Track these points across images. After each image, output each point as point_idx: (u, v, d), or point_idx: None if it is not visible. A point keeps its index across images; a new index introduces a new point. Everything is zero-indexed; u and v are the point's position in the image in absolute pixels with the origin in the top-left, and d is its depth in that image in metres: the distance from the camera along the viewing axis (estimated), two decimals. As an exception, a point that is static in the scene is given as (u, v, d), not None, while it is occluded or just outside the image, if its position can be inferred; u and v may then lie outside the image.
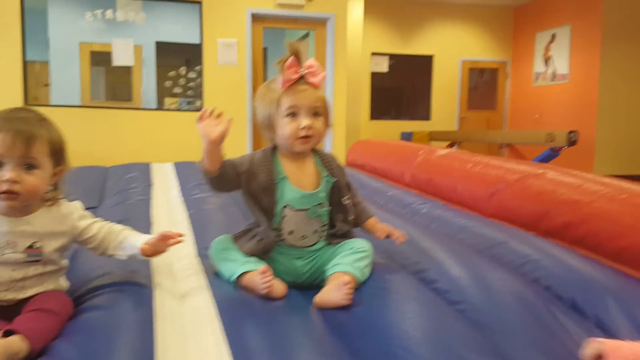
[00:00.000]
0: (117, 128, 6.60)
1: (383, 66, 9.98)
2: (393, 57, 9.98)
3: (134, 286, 1.28)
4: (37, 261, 1.16)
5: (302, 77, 1.39)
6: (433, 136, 8.64)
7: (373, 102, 9.99)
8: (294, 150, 1.42)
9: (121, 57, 6.65)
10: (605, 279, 1.36)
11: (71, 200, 1.27)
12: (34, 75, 6.54)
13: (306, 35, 7.56)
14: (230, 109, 6.74)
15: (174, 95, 6.94)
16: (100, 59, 6.84)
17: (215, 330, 1.12)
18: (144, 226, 1.94)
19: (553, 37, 9.22)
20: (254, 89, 6.70)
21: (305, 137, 1.39)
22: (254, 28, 6.96)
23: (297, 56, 1.38)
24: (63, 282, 1.25)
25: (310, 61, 1.41)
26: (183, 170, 3.20)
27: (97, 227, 1.27)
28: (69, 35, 6.64)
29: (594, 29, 8.31)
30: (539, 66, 9.63)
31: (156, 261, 1.51)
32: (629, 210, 1.58)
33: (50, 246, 1.18)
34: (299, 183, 1.42)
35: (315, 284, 1.39)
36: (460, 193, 2.37)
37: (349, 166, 3.74)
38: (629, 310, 1.21)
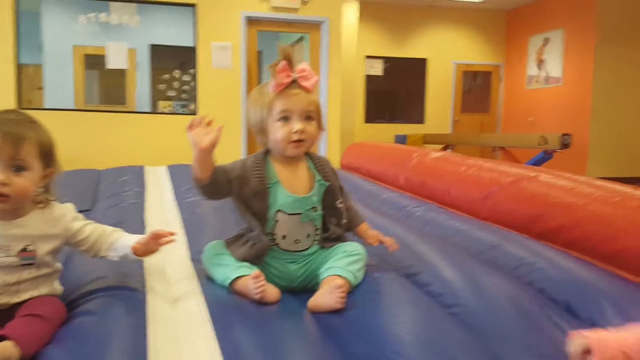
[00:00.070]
0: (110, 131, 6.58)
1: (377, 69, 10.00)
2: (387, 61, 10.00)
3: (126, 291, 1.27)
4: (31, 264, 1.15)
5: (294, 81, 1.39)
6: (427, 139, 8.66)
7: (367, 105, 10.01)
8: (286, 155, 1.42)
9: (115, 60, 6.64)
10: (600, 282, 1.36)
11: (63, 202, 1.26)
12: (27, 78, 6.52)
13: (301, 39, 7.56)
14: (225, 113, 6.75)
15: (168, 98, 6.93)
16: (94, 62, 6.83)
17: (207, 335, 1.11)
18: (138, 229, 1.93)
19: (546, 40, 9.27)
20: (249, 92, 6.68)
21: (298, 141, 1.38)
22: (248, 31, 6.96)
23: (289, 60, 1.38)
24: (57, 286, 1.24)
25: (302, 65, 1.41)
26: (177, 173, 3.19)
27: (90, 229, 1.26)
28: (62, 38, 6.63)
29: (587, 32, 8.35)
30: (532, 69, 9.67)
31: (149, 265, 1.50)
32: (622, 213, 1.58)
33: (43, 249, 1.17)
34: (291, 187, 1.41)
35: (309, 287, 1.39)
36: (454, 196, 2.37)
37: (344, 169, 3.74)
38: (624, 313, 1.21)
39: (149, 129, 6.68)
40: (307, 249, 1.43)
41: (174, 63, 6.97)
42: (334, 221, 1.48)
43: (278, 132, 1.38)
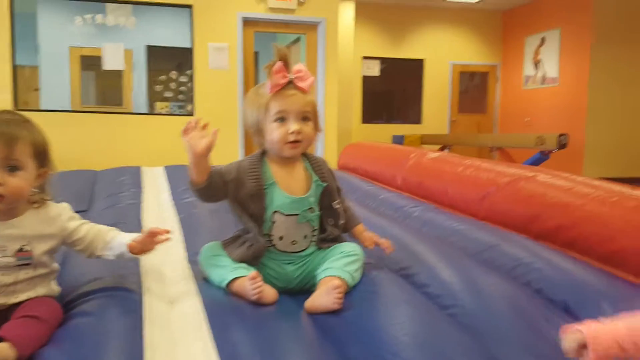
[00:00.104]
0: (107, 133, 6.56)
1: (374, 70, 10.00)
2: (384, 61, 10.01)
3: (123, 291, 1.27)
4: (28, 264, 1.15)
5: (290, 82, 1.39)
6: (424, 140, 8.67)
7: (364, 106, 10.01)
8: (283, 155, 1.42)
9: (111, 61, 6.63)
10: (598, 282, 1.36)
11: (58, 202, 1.26)
12: (23, 79, 6.50)
13: (297, 40, 7.56)
14: (221, 114, 6.75)
15: (165, 99, 6.92)
16: (90, 63, 6.82)
17: (204, 337, 1.11)
18: (135, 230, 1.90)
19: (542, 40, 9.28)
20: (245, 93, 6.68)
21: (294, 142, 1.38)
22: (245, 32, 6.96)
23: (285, 61, 1.38)
24: (54, 287, 1.24)
25: (298, 66, 1.41)
26: (174, 174, 3.18)
27: (86, 228, 1.26)
28: (59, 40, 6.61)
29: (583, 32, 8.37)
30: (528, 69, 9.69)
31: (146, 266, 1.50)
32: (619, 213, 1.58)
33: (39, 249, 1.17)
34: (288, 188, 1.41)
35: (306, 288, 1.38)
36: (452, 196, 2.37)
37: (341, 169, 3.74)
38: (622, 314, 1.20)
39: (146, 130, 6.67)
40: (304, 249, 1.43)
41: (170, 64, 6.96)
42: (331, 222, 1.48)
43: (274, 133, 1.38)
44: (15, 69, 6.33)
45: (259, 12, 6.92)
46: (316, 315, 1.21)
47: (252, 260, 1.37)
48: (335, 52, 7.23)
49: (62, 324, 1.10)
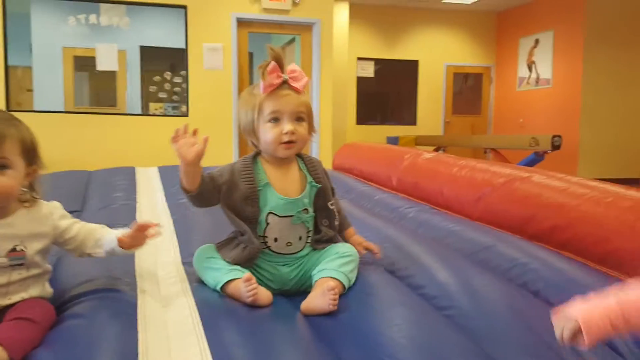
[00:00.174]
0: (101, 134, 6.54)
1: (369, 71, 10.01)
2: (379, 62, 10.02)
3: (117, 293, 1.26)
4: (21, 265, 1.14)
5: (285, 82, 1.38)
6: (419, 141, 8.68)
7: (359, 107, 10.02)
8: (277, 156, 1.41)
9: (105, 62, 6.60)
10: (594, 283, 1.35)
11: (49, 201, 1.25)
12: (16, 80, 6.46)
13: (292, 40, 7.55)
14: (216, 114, 6.73)
15: (159, 100, 6.89)
16: (83, 63, 6.78)
17: (199, 339, 1.09)
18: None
19: (536, 42, 9.32)
20: (240, 94, 6.68)
21: (289, 142, 1.37)
22: (239, 33, 6.95)
23: (279, 61, 1.37)
24: (47, 288, 1.23)
25: (292, 66, 1.40)
26: (167, 174, 3.16)
27: (78, 227, 1.25)
28: (52, 40, 6.58)
29: (576, 33, 8.41)
30: (522, 71, 9.72)
31: (140, 268, 1.49)
32: (614, 214, 1.58)
33: (32, 248, 1.16)
34: (282, 189, 1.40)
35: (302, 290, 1.38)
36: (447, 197, 2.37)
37: (336, 170, 3.73)
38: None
39: (140, 131, 6.65)
40: (299, 251, 1.42)
41: (164, 65, 6.94)
42: (325, 223, 1.47)
43: (268, 134, 1.37)
44: (7, 69, 6.29)
45: (253, 12, 6.91)
46: (312, 317, 1.21)
47: (247, 262, 1.36)
48: (330, 53, 7.23)
49: (55, 326, 1.09)
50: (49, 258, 1.26)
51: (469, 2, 9.50)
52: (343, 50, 8.37)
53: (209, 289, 1.33)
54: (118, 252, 1.26)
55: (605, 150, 8.43)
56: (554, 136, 5.94)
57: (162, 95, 6.89)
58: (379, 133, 9.72)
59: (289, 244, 1.40)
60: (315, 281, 1.31)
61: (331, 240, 1.46)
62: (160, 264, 1.57)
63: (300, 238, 1.41)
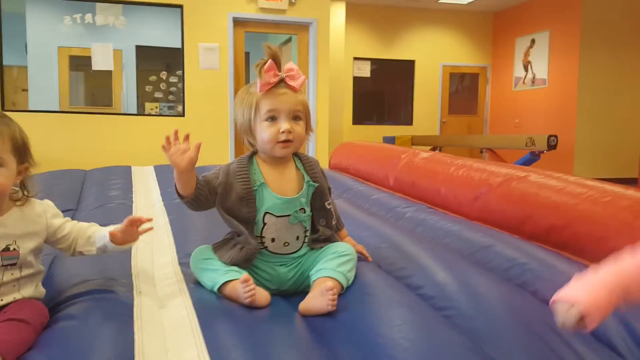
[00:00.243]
0: (97, 134, 6.51)
1: (365, 71, 10.01)
2: (375, 62, 10.02)
3: (113, 294, 1.25)
4: (14, 264, 1.12)
5: (282, 81, 1.37)
6: (415, 141, 8.68)
7: (355, 107, 10.01)
8: (274, 155, 1.40)
9: (101, 61, 6.57)
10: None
11: (41, 199, 1.24)
12: (11, 80, 6.43)
13: (288, 40, 7.54)
14: (212, 114, 6.72)
15: (155, 100, 6.87)
16: (79, 63, 6.76)
17: (196, 341, 1.08)
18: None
19: (532, 42, 9.33)
20: (236, 93, 6.67)
21: (285, 141, 1.36)
22: (235, 32, 6.93)
23: (276, 59, 1.36)
24: (40, 289, 1.22)
25: (289, 64, 1.39)
26: (163, 173, 3.15)
27: (70, 226, 1.25)
28: (47, 40, 6.55)
29: (572, 34, 8.42)
30: (518, 71, 9.73)
31: (136, 269, 1.47)
32: (612, 213, 1.57)
33: (26, 247, 1.15)
34: (279, 189, 1.39)
35: (300, 290, 1.37)
36: (444, 196, 2.36)
37: (333, 169, 3.72)
38: (622, 316, 1.19)
39: (136, 131, 6.62)
40: (296, 251, 1.41)
41: (160, 64, 6.92)
42: (322, 222, 1.46)
43: (265, 132, 1.36)
44: (2, 69, 6.26)
45: (249, 12, 6.90)
46: (310, 318, 1.20)
47: (244, 262, 1.35)
48: (327, 52, 7.22)
49: (49, 327, 1.08)
50: (44, 258, 1.24)
51: (465, 2, 9.50)
52: (339, 50, 8.36)
53: (206, 291, 1.32)
54: (110, 248, 1.25)
55: (601, 150, 8.44)
56: (550, 136, 5.95)
57: (158, 95, 6.87)
58: (375, 133, 9.71)
59: (286, 244, 1.39)
60: (313, 281, 1.30)
61: (329, 240, 1.45)
62: (156, 264, 1.56)
63: (297, 238, 1.40)
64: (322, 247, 1.41)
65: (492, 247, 1.64)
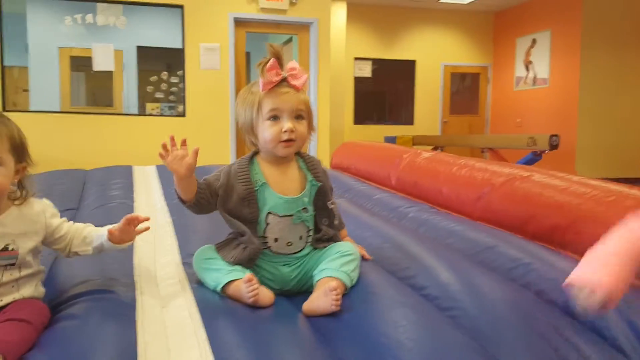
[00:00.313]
0: (97, 134, 6.51)
1: (366, 71, 10.00)
2: (376, 62, 10.02)
3: (115, 294, 1.24)
4: (12, 264, 1.12)
5: (284, 80, 1.36)
6: (416, 141, 8.67)
7: (356, 107, 10.01)
8: (276, 155, 1.39)
9: (101, 62, 6.57)
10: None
11: (40, 199, 1.23)
12: (12, 80, 6.43)
13: (289, 40, 7.54)
14: (213, 114, 6.71)
15: (156, 100, 6.87)
16: (80, 64, 6.76)
17: (199, 341, 1.07)
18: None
19: (533, 42, 9.32)
20: (237, 93, 6.67)
21: (288, 140, 1.35)
22: (236, 32, 6.93)
23: (279, 58, 1.35)
24: (40, 288, 1.21)
25: (292, 63, 1.38)
26: (166, 173, 3.14)
27: (67, 226, 1.25)
28: (48, 40, 6.55)
29: (573, 33, 8.41)
30: (520, 71, 9.72)
31: (139, 269, 1.47)
32: (616, 213, 1.56)
33: (25, 247, 1.14)
34: (281, 188, 1.38)
35: (303, 290, 1.36)
36: (447, 196, 2.35)
37: (334, 168, 3.71)
38: (625, 314, 1.19)
39: (137, 131, 6.62)
40: (299, 251, 1.40)
41: (161, 64, 6.92)
42: (325, 222, 1.45)
43: (267, 132, 1.35)
44: (3, 69, 6.26)
45: (250, 12, 6.89)
46: (314, 318, 1.19)
47: (247, 262, 1.34)
48: (327, 53, 7.22)
49: (52, 327, 1.07)
50: (45, 258, 1.24)
51: (466, 2, 9.49)
52: (340, 50, 8.36)
53: (209, 291, 1.31)
54: (107, 248, 1.25)
55: (602, 149, 8.44)
56: (552, 136, 5.94)
57: (158, 95, 6.87)
58: (376, 133, 9.71)
59: (289, 243, 1.38)
60: (317, 281, 1.29)
61: (332, 240, 1.45)
62: (158, 264, 1.55)
63: (300, 238, 1.40)
64: (325, 247, 1.41)
65: (495, 247, 1.63)
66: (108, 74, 6.78)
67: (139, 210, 2.36)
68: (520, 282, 1.41)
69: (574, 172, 7.93)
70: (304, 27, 7.16)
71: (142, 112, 6.84)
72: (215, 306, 1.23)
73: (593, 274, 0.85)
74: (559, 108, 8.70)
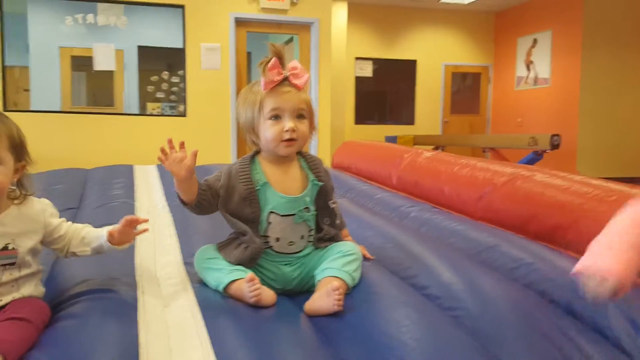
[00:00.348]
0: (98, 134, 6.51)
1: (367, 71, 10.00)
2: (377, 62, 10.01)
3: (117, 294, 1.24)
4: (12, 264, 1.11)
5: (285, 79, 1.36)
6: (417, 140, 8.67)
7: (357, 107, 10.01)
8: (278, 154, 1.39)
9: (102, 61, 6.57)
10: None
11: (39, 198, 1.23)
12: (13, 80, 6.43)
13: (290, 40, 7.54)
14: (214, 114, 6.71)
15: (157, 100, 6.87)
16: (81, 63, 6.76)
17: (201, 341, 1.07)
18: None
19: (534, 41, 9.31)
20: (238, 93, 6.66)
21: (290, 140, 1.35)
22: (237, 32, 6.93)
23: (280, 57, 1.35)
24: (40, 287, 1.21)
25: (293, 63, 1.38)
26: (166, 172, 3.12)
27: (66, 226, 1.25)
28: (49, 40, 6.55)
29: (574, 33, 8.40)
30: (521, 70, 9.71)
31: (140, 268, 1.47)
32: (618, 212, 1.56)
33: (24, 246, 1.14)
34: (283, 188, 1.38)
35: (305, 289, 1.36)
36: (448, 196, 2.35)
37: (335, 168, 3.71)
38: (627, 313, 1.18)
39: (138, 131, 6.62)
40: (301, 250, 1.40)
41: (162, 64, 6.91)
42: (327, 221, 1.45)
43: (269, 131, 1.35)
44: (4, 69, 6.26)
45: (251, 12, 6.89)
46: (316, 318, 1.19)
47: (249, 262, 1.34)
48: (329, 52, 7.22)
49: (53, 327, 1.07)
50: (46, 258, 1.24)
51: (467, 2, 9.49)
52: (341, 50, 8.35)
53: (211, 289, 1.31)
54: (106, 249, 1.25)
55: (603, 149, 8.43)
56: (553, 135, 5.93)
57: (159, 95, 6.87)
58: (377, 133, 9.70)
59: (291, 243, 1.38)
60: (319, 281, 1.29)
61: (333, 239, 1.44)
62: (160, 264, 1.55)
63: (302, 237, 1.39)
64: (326, 247, 1.41)
65: (497, 247, 1.62)
66: (109, 74, 6.78)
67: (141, 209, 2.36)
68: (523, 282, 1.41)
69: (575, 172, 7.93)
70: (305, 27, 7.15)
71: (142, 112, 6.84)
72: (217, 306, 1.23)
73: (602, 261, 0.84)
74: (560, 108, 8.69)
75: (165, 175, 3.09)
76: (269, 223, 1.36)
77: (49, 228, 1.20)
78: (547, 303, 1.29)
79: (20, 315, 1.03)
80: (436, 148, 8.21)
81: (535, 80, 9.31)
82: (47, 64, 6.57)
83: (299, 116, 1.37)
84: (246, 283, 1.22)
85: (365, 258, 1.47)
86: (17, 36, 6.37)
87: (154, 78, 6.84)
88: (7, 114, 1.16)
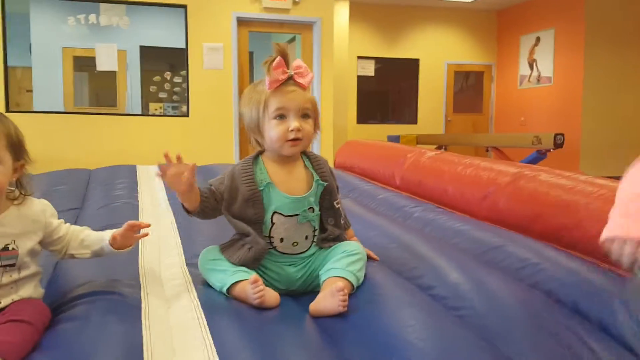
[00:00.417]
0: (101, 134, 6.51)
1: (369, 70, 9.99)
2: (379, 61, 10.00)
3: (120, 295, 1.23)
4: (12, 265, 1.11)
5: (290, 78, 1.35)
6: (420, 140, 8.65)
7: (360, 106, 10.00)
8: (282, 154, 1.38)
9: (105, 62, 6.58)
10: (608, 283, 1.32)
11: (38, 198, 1.23)
12: (15, 81, 6.44)
13: (292, 39, 7.53)
14: (216, 114, 6.71)
15: (159, 100, 6.87)
16: (83, 64, 6.77)
17: (205, 342, 1.06)
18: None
19: (537, 40, 9.30)
20: (240, 93, 6.66)
21: (295, 139, 1.34)
22: (239, 32, 6.92)
23: (285, 57, 1.34)
24: (39, 289, 1.20)
25: (297, 62, 1.37)
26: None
27: (65, 228, 1.24)
28: (51, 40, 6.56)
29: (577, 31, 8.39)
30: (524, 69, 9.70)
31: (144, 270, 1.46)
32: (625, 212, 1.55)
33: (24, 247, 1.13)
34: (287, 188, 1.37)
35: (309, 290, 1.35)
36: (452, 196, 2.34)
37: (338, 168, 3.70)
38: (634, 314, 1.17)
39: (140, 131, 6.62)
40: (305, 251, 1.39)
41: (164, 64, 6.92)
42: (331, 221, 1.44)
43: (274, 131, 1.34)
44: (7, 70, 6.26)
45: (253, 12, 6.89)
46: (320, 319, 1.18)
47: (253, 263, 1.33)
48: (331, 52, 7.21)
49: (52, 328, 1.06)
50: (48, 259, 1.23)
51: (470, 0, 9.47)
52: (343, 49, 8.35)
53: (215, 291, 1.31)
54: (107, 252, 1.25)
55: (606, 148, 8.41)
56: (557, 134, 5.91)
57: (162, 95, 6.87)
58: (379, 132, 9.69)
59: (295, 243, 1.37)
60: (323, 281, 1.28)
61: (337, 239, 1.43)
62: (163, 265, 1.55)
63: (306, 237, 1.39)
64: (330, 247, 1.40)
65: (503, 247, 1.61)
66: (111, 74, 6.79)
67: (144, 210, 2.35)
68: (529, 282, 1.40)
69: (578, 171, 7.92)
70: (307, 26, 7.15)
71: (145, 112, 6.84)
72: (221, 307, 1.22)
73: (623, 225, 0.83)
74: (563, 106, 8.68)
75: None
76: (273, 223, 1.36)
77: (49, 229, 1.20)
78: (554, 303, 1.28)
79: (20, 317, 1.02)
80: (439, 147, 8.20)
81: (538, 78, 9.30)
82: (49, 65, 6.58)
83: (304, 115, 1.36)
84: (250, 284, 1.21)
85: (370, 258, 1.46)
86: (20, 37, 6.38)
87: (157, 78, 6.84)
88: (9, 114, 1.16)
